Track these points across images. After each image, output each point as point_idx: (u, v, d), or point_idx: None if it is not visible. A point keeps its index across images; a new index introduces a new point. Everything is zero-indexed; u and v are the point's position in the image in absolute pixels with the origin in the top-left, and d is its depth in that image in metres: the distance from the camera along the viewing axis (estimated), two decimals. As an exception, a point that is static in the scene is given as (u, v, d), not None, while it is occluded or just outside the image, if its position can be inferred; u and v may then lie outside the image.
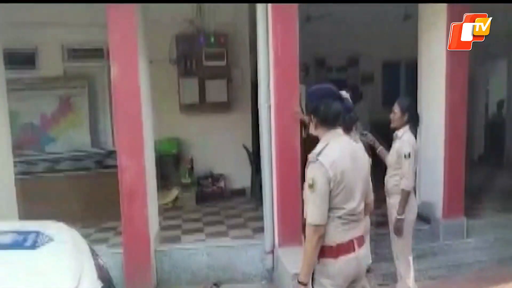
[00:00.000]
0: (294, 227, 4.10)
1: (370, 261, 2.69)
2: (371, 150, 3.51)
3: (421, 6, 4.98)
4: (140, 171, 4.19)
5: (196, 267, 4.30)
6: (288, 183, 4.19)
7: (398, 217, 3.37)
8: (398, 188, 3.41)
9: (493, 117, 8.60)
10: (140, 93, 4.19)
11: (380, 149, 3.71)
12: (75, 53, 6.64)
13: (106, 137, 6.58)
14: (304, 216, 2.19)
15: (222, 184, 6.43)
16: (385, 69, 8.98)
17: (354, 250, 2.19)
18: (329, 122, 2.18)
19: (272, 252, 4.24)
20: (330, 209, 2.12)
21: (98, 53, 6.65)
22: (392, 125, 3.51)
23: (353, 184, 2.15)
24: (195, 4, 6.30)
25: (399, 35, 7.66)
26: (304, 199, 2.20)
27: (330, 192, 2.09)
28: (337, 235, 2.15)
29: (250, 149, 6.20)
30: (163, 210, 4.99)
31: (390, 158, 3.49)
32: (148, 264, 4.13)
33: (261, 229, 4.46)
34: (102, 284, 2.27)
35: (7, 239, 2.36)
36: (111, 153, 6.05)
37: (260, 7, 4.28)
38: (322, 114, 2.18)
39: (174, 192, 5.98)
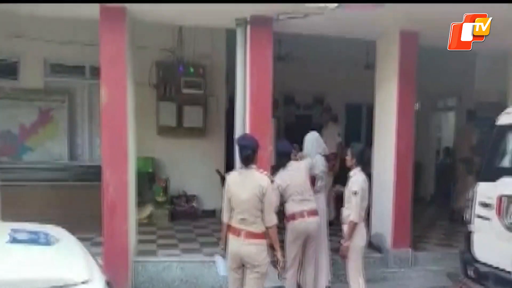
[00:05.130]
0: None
1: None
2: None
3: (378, 60, 5.65)
4: (123, 186, 4.50)
5: (170, 279, 4.59)
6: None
7: (343, 243, 3.94)
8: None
9: (442, 162, 9.42)
10: (127, 113, 4.54)
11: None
12: (56, 68, 6.82)
13: (83, 151, 6.78)
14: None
15: (194, 204, 6.77)
16: (348, 111, 9.65)
17: None
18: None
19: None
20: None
21: (79, 70, 6.89)
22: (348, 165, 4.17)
23: None
24: (176, 34, 6.76)
25: (361, 81, 8.48)
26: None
27: None
28: None
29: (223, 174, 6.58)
30: (138, 225, 5.23)
31: (346, 194, 4.09)
32: (126, 274, 4.40)
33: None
34: (106, 278, 2.58)
35: (23, 236, 2.64)
36: (89, 167, 6.28)
37: (239, 47, 4.76)
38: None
39: (148, 209, 6.22)
